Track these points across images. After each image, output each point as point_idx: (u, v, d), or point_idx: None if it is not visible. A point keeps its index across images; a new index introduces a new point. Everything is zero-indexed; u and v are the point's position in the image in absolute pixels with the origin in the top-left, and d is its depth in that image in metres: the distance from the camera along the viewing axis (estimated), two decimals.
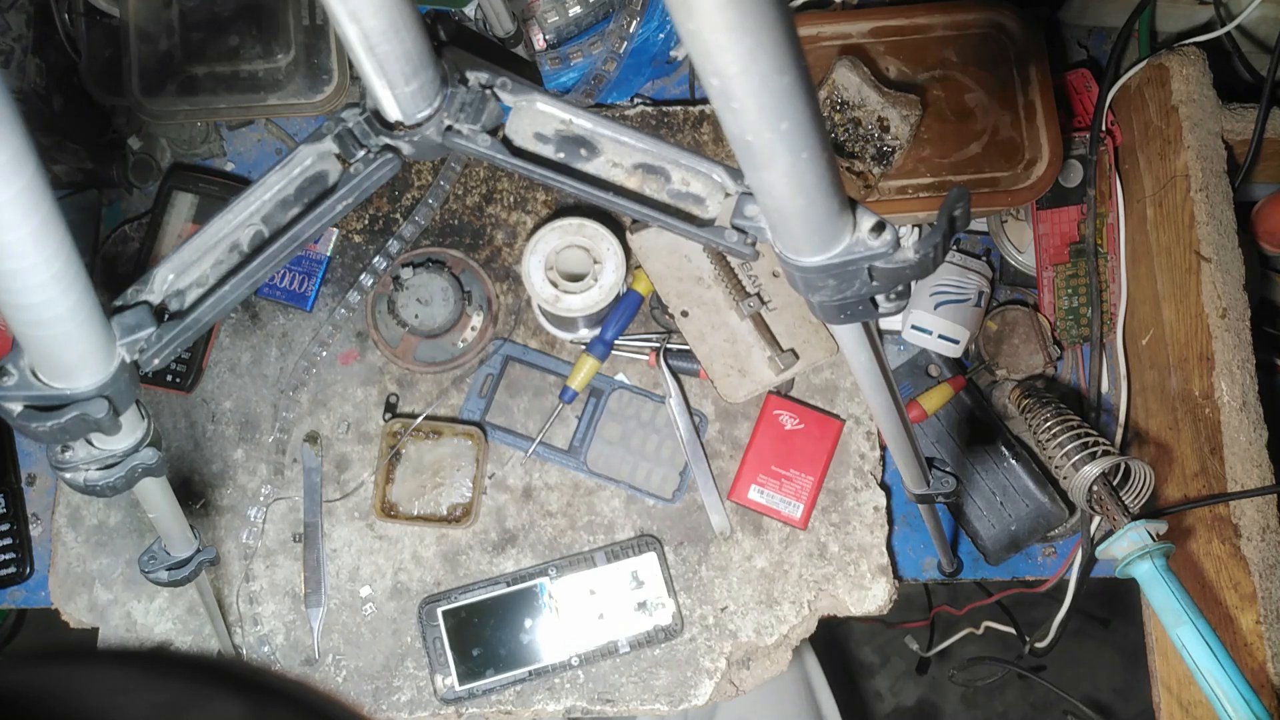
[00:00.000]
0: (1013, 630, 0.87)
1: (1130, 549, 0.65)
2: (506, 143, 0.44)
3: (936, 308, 0.77)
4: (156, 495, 0.54)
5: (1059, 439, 0.70)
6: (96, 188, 0.83)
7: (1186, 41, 0.75)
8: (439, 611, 0.75)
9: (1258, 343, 0.69)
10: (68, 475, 0.46)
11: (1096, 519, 0.73)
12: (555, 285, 0.72)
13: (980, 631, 0.93)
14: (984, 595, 0.87)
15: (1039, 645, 0.82)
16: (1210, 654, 0.61)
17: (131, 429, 0.46)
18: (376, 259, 0.80)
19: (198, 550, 0.62)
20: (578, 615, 0.75)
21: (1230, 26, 0.76)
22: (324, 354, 0.80)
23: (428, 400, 0.79)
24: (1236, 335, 0.69)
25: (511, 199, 0.82)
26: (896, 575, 0.77)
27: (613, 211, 0.59)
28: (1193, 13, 0.80)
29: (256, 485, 0.78)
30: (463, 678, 0.74)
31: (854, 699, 1.63)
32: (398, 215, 0.82)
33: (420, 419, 0.77)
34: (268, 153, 0.84)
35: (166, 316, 0.44)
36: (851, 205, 0.37)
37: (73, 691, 0.25)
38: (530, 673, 0.74)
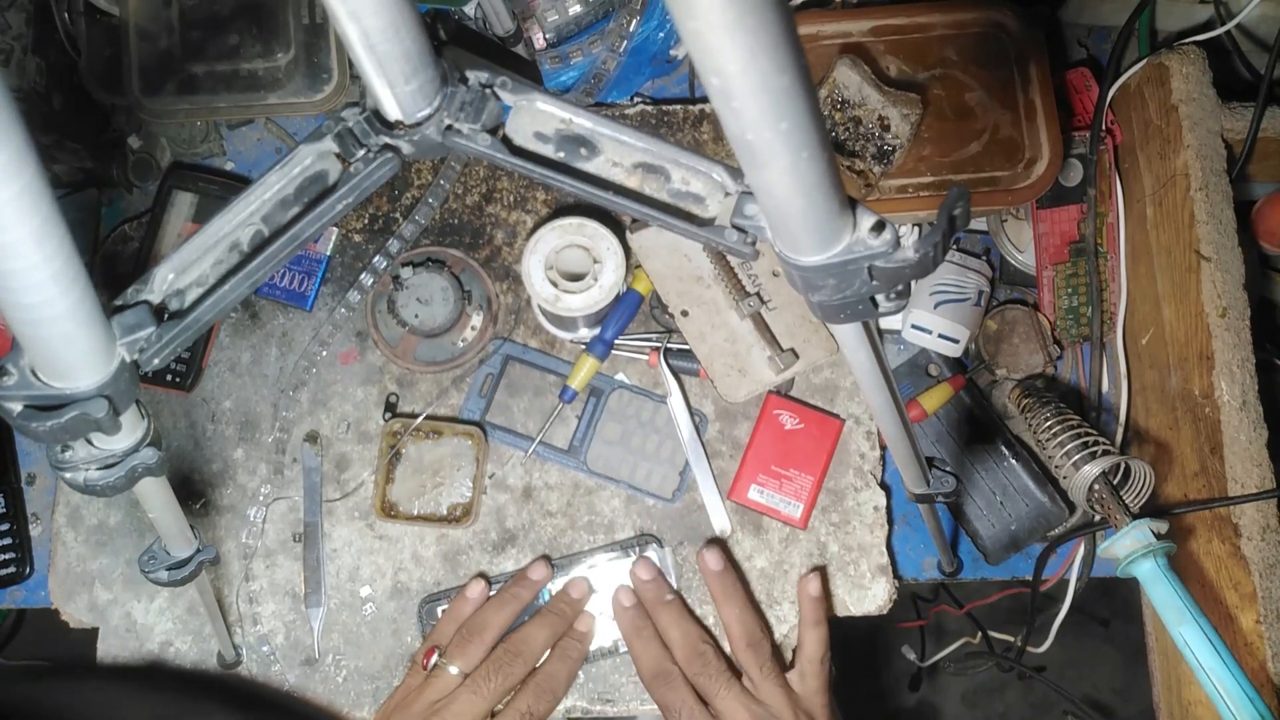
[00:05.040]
0: (1009, 638, 0.87)
1: (1133, 548, 0.65)
2: (506, 142, 0.44)
3: (936, 307, 0.77)
4: (156, 495, 0.53)
5: (1059, 438, 0.70)
6: (96, 187, 0.83)
7: (1186, 40, 0.75)
8: (439, 611, 0.75)
9: (1257, 341, 0.69)
10: (67, 475, 0.46)
11: (1097, 518, 0.73)
12: (555, 285, 0.72)
13: (977, 640, 0.94)
14: (984, 594, 0.87)
15: (1032, 649, 0.82)
16: (1214, 652, 0.61)
17: (131, 429, 0.46)
18: (376, 258, 0.80)
19: (198, 550, 0.62)
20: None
21: (1230, 25, 0.76)
22: (324, 353, 0.80)
23: (428, 400, 0.79)
24: (1236, 334, 0.69)
25: (511, 198, 0.82)
26: (896, 575, 0.77)
27: (613, 211, 0.59)
28: (1192, 11, 0.80)
29: (256, 485, 0.78)
30: None
31: (854, 698, 1.63)
32: (398, 214, 0.82)
33: (420, 419, 0.77)
34: (267, 152, 0.84)
35: (166, 316, 0.44)
36: (851, 204, 0.37)
37: (70, 707, 0.25)
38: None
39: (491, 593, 0.75)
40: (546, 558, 0.76)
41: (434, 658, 0.70)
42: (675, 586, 0.76)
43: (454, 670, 0.69)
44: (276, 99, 0.79)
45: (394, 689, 0.72)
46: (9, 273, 0.35)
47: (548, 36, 0.81)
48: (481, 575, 0.76)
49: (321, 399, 0.79)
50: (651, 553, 0.76)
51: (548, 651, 0.73)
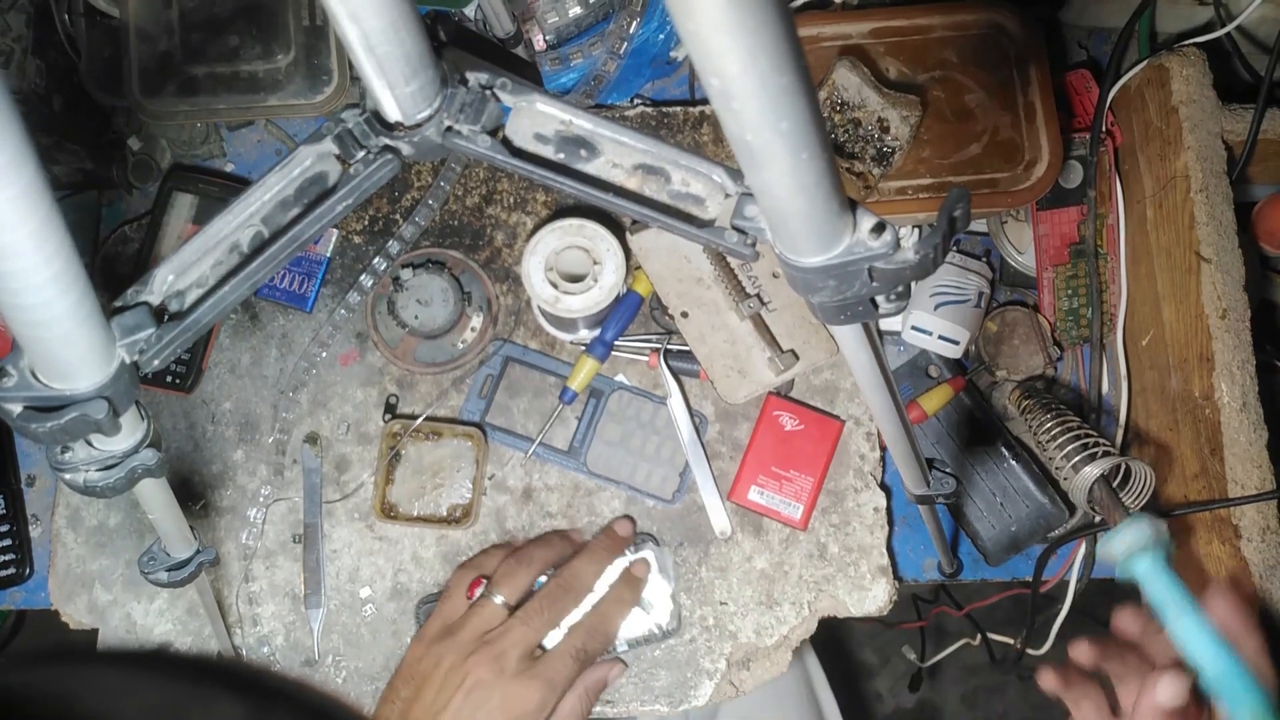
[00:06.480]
0: (1009, 639, 0.87)
1: (1131, 545, 0.65)
2: (506, 143, 0.44)
3: (936, 308, 0.77)
4: (156, 496, 0.54)
5: (1059, 440, 0.70)
6: (96, 188, 0.83)
7: (1186, 42, 0.75)
8: None
9: (1258, 343, 0.69)
10: (67, 476, 0.46)
11: (1097, 519, 0.73)
12: (555, 286, 0.72)
13: (977, 642, 0.93)
14: (984, 595, 0.87)
15: (1032, 651, 0.82)
16: (1213, 648, 0.60)
17: (131, 430, 0.46)
18: (376, 260, 0.80)
19: (197, 551, 0.62)
20: (577, 615, 0.75)
21: (1230, 27, 0.76)
22: (324, 355, 0.80)
23: (427, 401, 0.79)
24: (1236, 336, 0.69)
25: (511, 200, 0.82)
26: (897, 576, 0.77)
27: (612, 212, 0.59)
28: (1192, 13, 0.80)
29: (256, 486, 0.78)
30: None
31: (854, 699, 1.63)
32: (397, 216, 0.82)
33: (420, 420, 0.77)
34: (267, 153, 0.84)
35: (166, 317, 0.44)
36: (851, 206, 0.37)
37: (72, 693, 0.25)
38: None
39: None
40: (629, 518, 0.77)
41: (480, 588, 0.70)
42: (674, 587, 0.76)
43: (499, 600, 0.69)
44: (276, 101, 0.79)
45: (428, 616, 0.72)
46: (9, 273, 0.35)
47: (548, 38, 0.81)
48: None
49: (321, 400, 0.79)
50: (650, 552, 0.76)
51: (595, 589, 0.73)
